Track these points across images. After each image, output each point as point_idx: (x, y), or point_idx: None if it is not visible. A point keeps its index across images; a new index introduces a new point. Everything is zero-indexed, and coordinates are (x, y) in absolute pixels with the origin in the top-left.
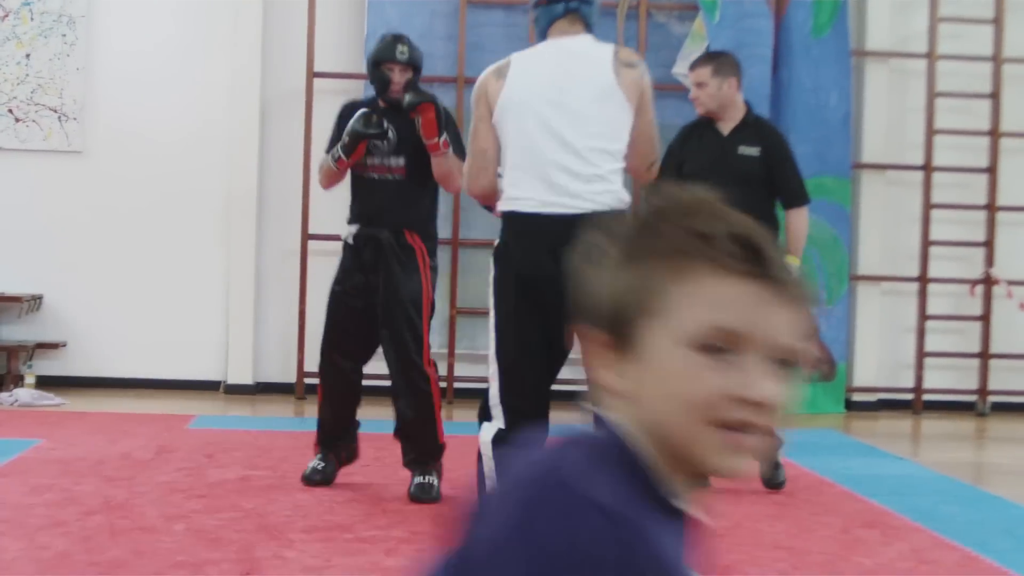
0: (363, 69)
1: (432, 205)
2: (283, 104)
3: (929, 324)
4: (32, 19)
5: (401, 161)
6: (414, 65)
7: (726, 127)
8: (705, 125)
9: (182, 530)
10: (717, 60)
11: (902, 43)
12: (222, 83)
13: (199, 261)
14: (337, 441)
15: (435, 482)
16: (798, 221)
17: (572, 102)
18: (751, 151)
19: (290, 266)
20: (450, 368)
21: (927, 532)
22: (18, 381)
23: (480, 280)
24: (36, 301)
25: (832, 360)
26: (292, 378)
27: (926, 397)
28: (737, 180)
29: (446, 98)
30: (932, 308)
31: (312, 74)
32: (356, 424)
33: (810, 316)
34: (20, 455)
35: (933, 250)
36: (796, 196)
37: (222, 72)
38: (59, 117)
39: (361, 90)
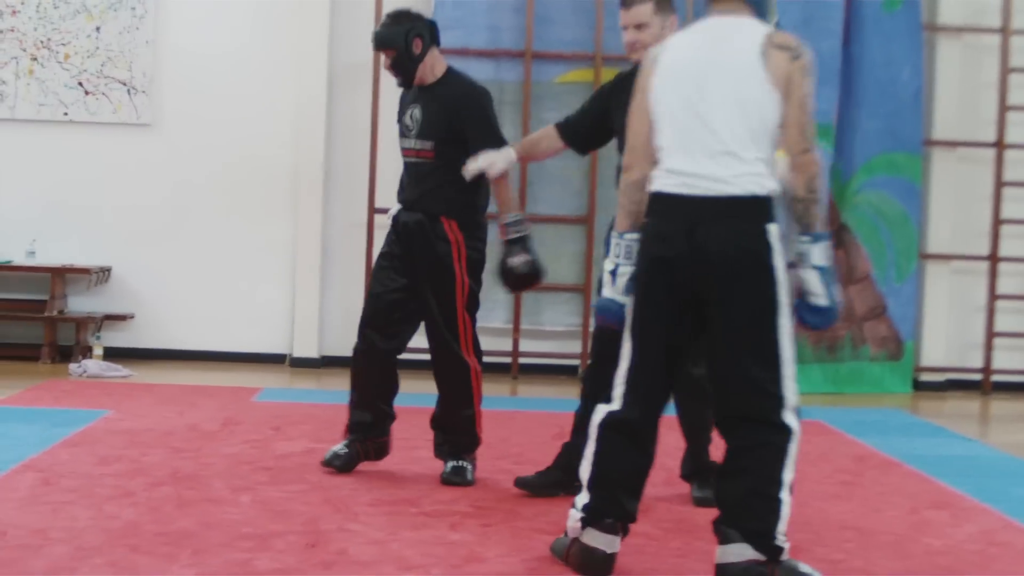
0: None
1: (473, 191)
2: (351, 76)
3: (999, 304)
4: None
5: (428, 144)
6: (388, 46)
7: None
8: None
9: (248, 502)
10: None
11: (975, 17)
12: (289, 56)
13: (266, 234)
14: (367, 431)
15: (468, 466)
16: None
17: (715, 85)
18: None
19: (356, 239)
20: (515, 344)
21: (996, 514)
22: (87, 352)
23: (547, 255)
24: (105, 273)
25: (899, 338)
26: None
27: (995, 378)
28: None
29: (512, 72)
30: (1002, 287)
31: None
32: (390, 416)
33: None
34: (89, 426)
35: (1004, 228)
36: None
37: (289, 45)
38: (128, 90)
39: None
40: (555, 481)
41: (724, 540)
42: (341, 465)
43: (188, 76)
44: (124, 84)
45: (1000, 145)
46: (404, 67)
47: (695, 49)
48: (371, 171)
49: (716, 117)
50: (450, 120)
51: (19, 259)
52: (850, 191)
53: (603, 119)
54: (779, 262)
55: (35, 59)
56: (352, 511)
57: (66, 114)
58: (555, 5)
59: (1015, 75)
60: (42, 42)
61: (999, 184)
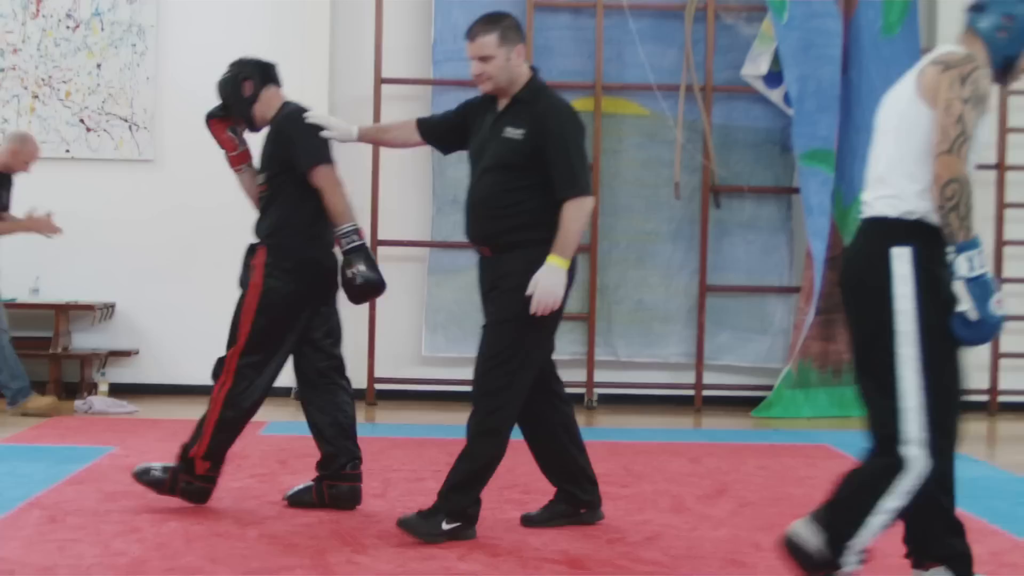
0: (431, 75)
1: (294, 215)
2: (351, 111)
3: (1004, 325)
4: (103, 29)
5: (263, 177)
6: (220, 94)
7: (502, 104)
8: (492, 101)
9: (256, 536)
10: (502, 24)
11: None
12: (291, 90)
13: None
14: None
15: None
16: (572, 213)
17: (883, 115)
18: (515, 133)
19: None
20: None
21: (1006, 535)
22: (92, 389)
23: None
24: (109, 309)
25: None
26: (363, 384)
27: (1001, 398)
28: (495, 167)
29: None
30: (1007, 309)
31: (380, 80)
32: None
33: None
34: (94, 462)
35: (1007, 250)
36: (570, 185)
37: (291, 79)
38: (130, 126)
39: (429, 95)
40: (561, 513)
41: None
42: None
43: (189, 111)
44: (125, 120)
45: (1001, 167)
46: (239, 111)
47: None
48: (373, 204)
49: (878, 145)
50: (275, 151)
51: (23, 296)
52: (852, 216)
53: (461, 127)
54: (902, 287)
55: (37, 96)
56: (360, 543)
57: (68, 151)
58: (555, 35)
59: (1015, 97)
60: (43, 80)
61: (1001, 206)
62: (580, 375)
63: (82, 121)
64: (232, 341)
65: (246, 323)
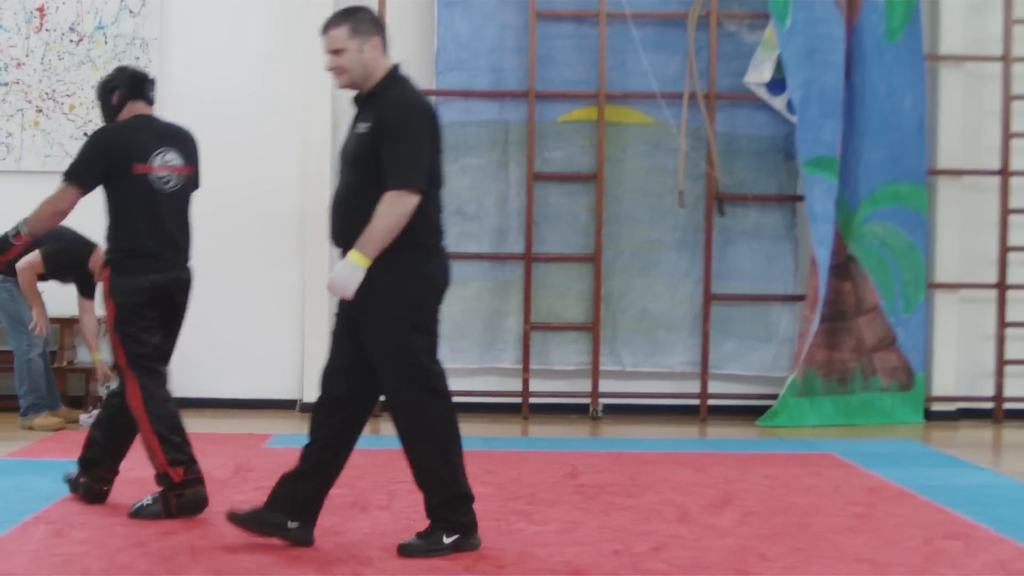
0: (434, 85)
1: (118, 226)
2: None
3: (1009, 331)
4: (106, 43)
5: None
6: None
7: (361, 99)
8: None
9: (261, 549)
10: (354, 17)
11: (977, 46)
12: (295, 102)
13: (274, 279)
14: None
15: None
16: (387, 206)
17: None
18: (363, 128)
19: None
20: (525, 384)
21: (1012, 543)
22: (96, 402)
23: (555, 293)
24: None
25: (910, 368)
26: None
27: (1007, 406)
28: (350, 165)
29: (516, 112)
30: (1012, 315)
31: None
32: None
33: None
34: None
35: (1012, 256)
36: (390, 176)
37: (294, 91)
38: None
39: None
40: (269, 520)
41: None
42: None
43: (192, 124)
44: None
45: (1005, 172)
46: (104, 115)
47: None
48: None
49: None
50: None
51: None
52: (856, 222)
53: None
54: None
55: (40, 111)
56: (365, 556)
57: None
58: (557, 45)
59: (1018, 102)
60: (47, 94)
61: (1005, 211)
62: (585, 385)
63: (86, 135)
64: (114, 353)
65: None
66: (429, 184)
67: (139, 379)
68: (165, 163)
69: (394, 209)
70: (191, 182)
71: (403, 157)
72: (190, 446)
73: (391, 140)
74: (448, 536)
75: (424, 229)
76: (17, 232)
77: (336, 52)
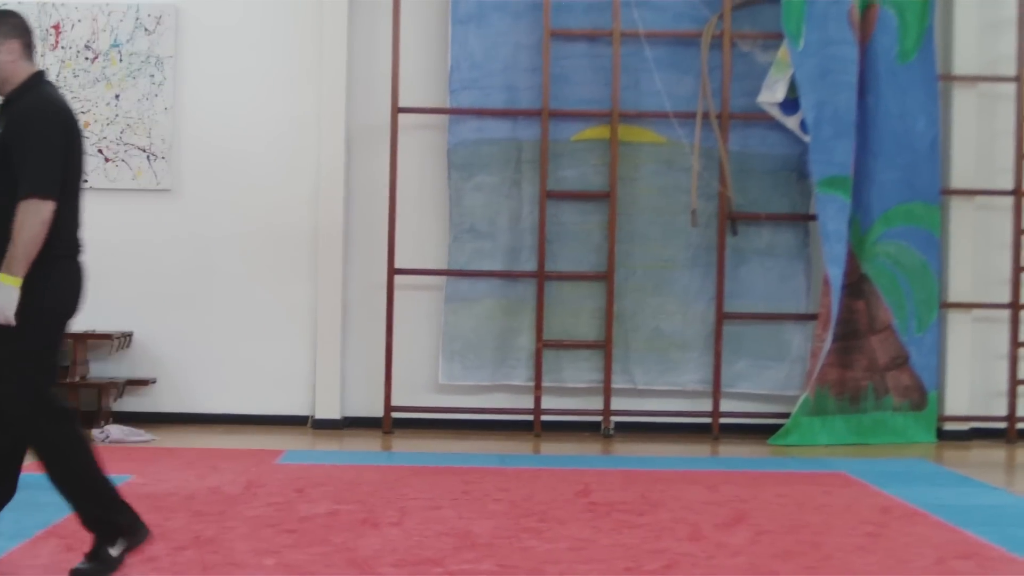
0: (447, 103)
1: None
2: (368, 139)
3: (1022, 351)
4: (121, 60)
5: None
6: None
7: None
8: None
9: (272, 565)
10: None
11: (990, 66)
12: (308, 120)
13: (286, 296)
14: None
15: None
16: (21, 217)
17: None
18: None
19: (377, 300)
20: (537, 401)
21: (1023, 563)
22: (108, 418)
23: (567, 311)
24: (126, 339)
25: (922, 388)
26: (379, 412)
27: (1020, 425)
28: None
29: (529, 130)
30: None
31: (396, 109)
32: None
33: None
34: None
35: None
36: (23, 184)
37: (308, 109)
38: (148, 156)
39: (446, 124)
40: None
41: None
42: None
43: (207, 142)
44: (143, 150)
45: (1018, 193)
46: None
47: None
48: (390, 232)
49: None
50: None
51: None
52: (869, 242)
53: None
54: None
55: None
56: (377, 572)
57: (86, 181)
58: (571, 64)
59: None
60: None
61: (1018, 231)
62: (597, 403)
63: (100, 151)
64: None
65: None
66: (62, 192)
67: None
68: None
69: (29, 219)
70: None
71: (38, 164)
72: None
73: (21, 145)
74: (114, 548)
75: (55, 239)
76: None
77: None
